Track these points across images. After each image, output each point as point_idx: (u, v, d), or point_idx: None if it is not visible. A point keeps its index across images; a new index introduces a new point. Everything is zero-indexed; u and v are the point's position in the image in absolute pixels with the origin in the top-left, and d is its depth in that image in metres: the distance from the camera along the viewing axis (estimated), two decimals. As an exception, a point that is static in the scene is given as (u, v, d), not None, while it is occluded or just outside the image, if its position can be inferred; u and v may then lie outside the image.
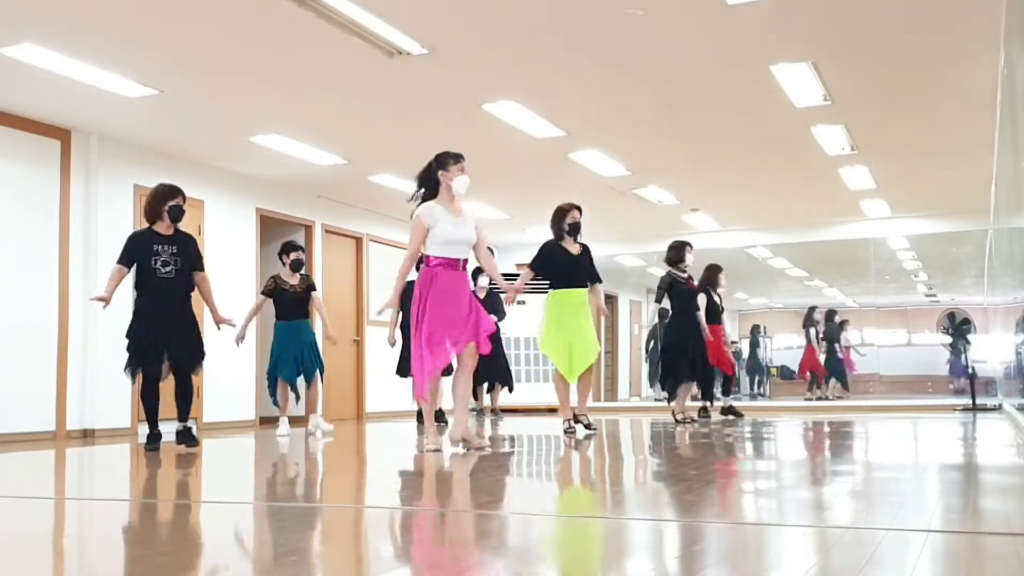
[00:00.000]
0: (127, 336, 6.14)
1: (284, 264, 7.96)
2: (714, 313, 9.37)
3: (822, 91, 7.61)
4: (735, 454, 5.60)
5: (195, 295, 6.34)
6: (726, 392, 9.82)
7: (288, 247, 8.01)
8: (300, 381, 7.96)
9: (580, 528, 3.04)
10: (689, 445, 6.13)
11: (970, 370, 11.20)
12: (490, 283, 9.69)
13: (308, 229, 11.25)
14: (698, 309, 8.96)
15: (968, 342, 12.13)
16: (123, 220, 8.69)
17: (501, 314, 9.69)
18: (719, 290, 9.54)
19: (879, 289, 15.88)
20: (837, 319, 15.19)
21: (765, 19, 6.20)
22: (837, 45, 6.75)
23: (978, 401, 10.57)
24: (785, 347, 17.15)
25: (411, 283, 5.71)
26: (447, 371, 5.78)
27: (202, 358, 6.30)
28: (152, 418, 6.17)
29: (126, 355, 6.12)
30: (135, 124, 8.33)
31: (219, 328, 6.61)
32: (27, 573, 2.35)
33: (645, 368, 16.11)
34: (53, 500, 4.03)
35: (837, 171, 10.34)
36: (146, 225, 6.26)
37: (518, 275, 7.30)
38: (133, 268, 6.17)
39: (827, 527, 2.78)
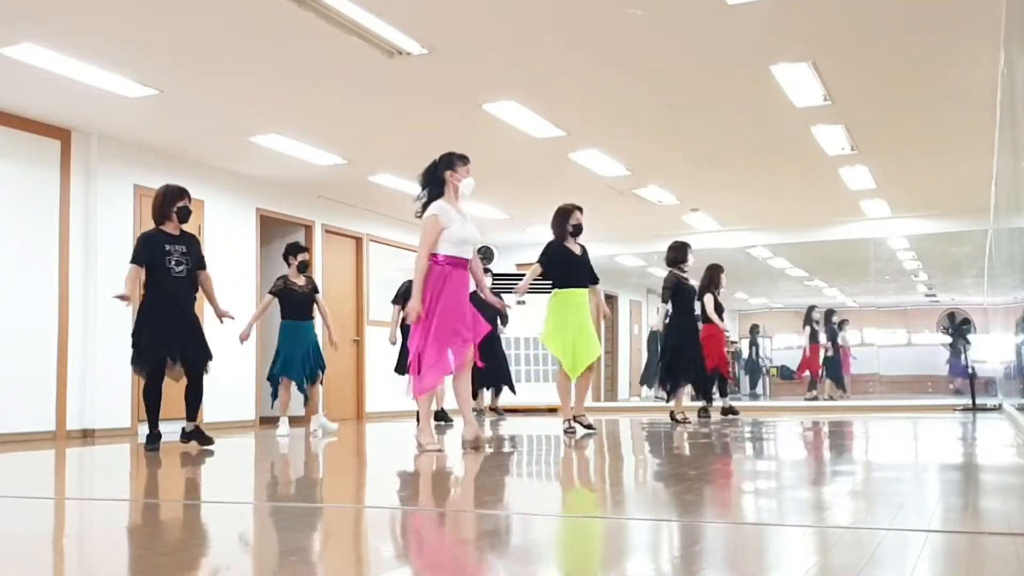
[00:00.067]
0: (133, 335, 6.13)
1: (291, 265, 7.97)
2: (716, 313, 9.40)
3: (822, 91, 7.61)
4: (735, 454, 5.60)
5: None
6: (723, 392, 9.86)
7: (295, 248, 8.03)
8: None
9: (580, 528, 3.04)
10: (689, 445, 6.13)
11: (970, 370, 11.20)
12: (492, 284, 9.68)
13: (308, 229, 11.24)
14: (703, 310, 8.99)
15: (968, 342, 12.11)
16: (123, 220, 8.70)
17: (504, 318, 9.67)
18: (720, 290, 9.57)
19: (879, 289, 15.87)
20: (836, 319, 15.18)
21: (765, 19, 6.21)
22: (837, 45, 6.75)
23: (978, 401, 10.57)
24: (785, 347, 17.15)
25: (408, 282, 5.73)
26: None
27: (211, 358, 6.33)
28: (153, 418, 6.18)
29: (131, 352, 6.12)
30: (135, 124, 8.34)
31: (221, 322, 6.62)
32: (27, 573, 2.35)
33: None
34: (53, 500, 4.03)
35: (837, 171, 10.34)
36: (153, 226, 6.29)
37: (519, 275, 7.32)
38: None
39: (827, 527, 2.78)
